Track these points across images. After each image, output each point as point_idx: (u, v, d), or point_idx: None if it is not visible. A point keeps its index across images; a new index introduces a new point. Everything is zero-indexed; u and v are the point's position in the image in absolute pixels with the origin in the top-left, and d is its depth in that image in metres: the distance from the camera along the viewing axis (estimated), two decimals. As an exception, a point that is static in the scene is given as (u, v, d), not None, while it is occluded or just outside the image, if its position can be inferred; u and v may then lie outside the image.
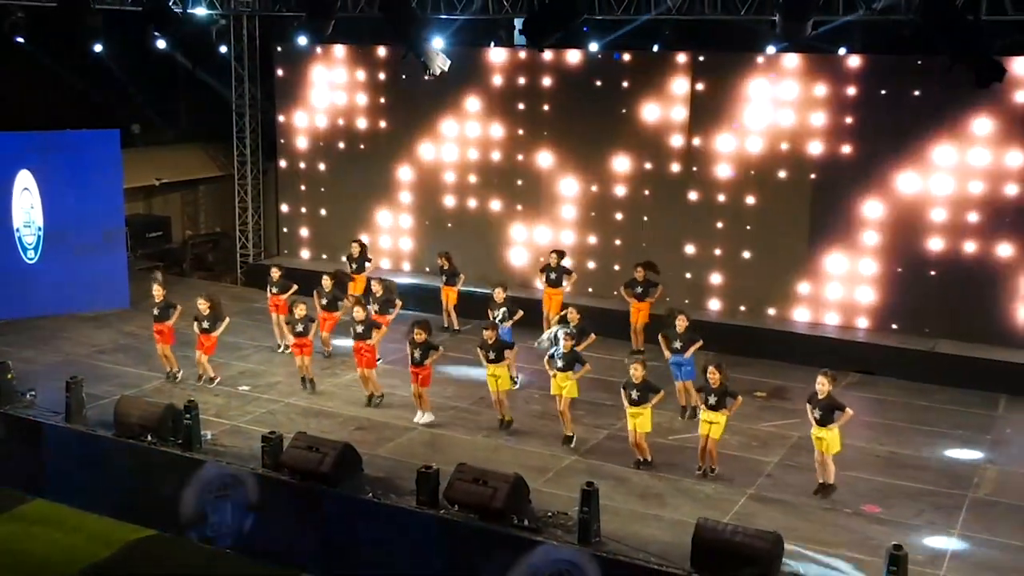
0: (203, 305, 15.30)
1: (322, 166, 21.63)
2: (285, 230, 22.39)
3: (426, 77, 14.32)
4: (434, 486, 11.58)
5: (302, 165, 21.84)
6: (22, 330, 17.96)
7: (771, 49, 17.24)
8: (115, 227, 19.38)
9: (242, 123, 22.36)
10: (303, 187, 21.95)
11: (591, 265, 19.01)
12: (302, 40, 21.07)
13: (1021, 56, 15.51)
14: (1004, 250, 16.24)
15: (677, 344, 14.21)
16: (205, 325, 15.32)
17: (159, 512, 13.04)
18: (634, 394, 12.58)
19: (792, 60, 17.13)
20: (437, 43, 15.16)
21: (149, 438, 13.20)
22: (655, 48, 18.03)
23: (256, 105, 22.29)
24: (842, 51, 16.67)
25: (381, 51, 20.52)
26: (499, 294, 15.94)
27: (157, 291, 15.61)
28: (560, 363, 13.33)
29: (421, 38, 13.58)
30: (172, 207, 25.10)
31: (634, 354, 16.33)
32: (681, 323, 14.29)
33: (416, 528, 11.54)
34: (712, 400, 12.32)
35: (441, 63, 13.63)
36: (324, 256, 21.58)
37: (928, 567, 10.44)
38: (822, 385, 11.97)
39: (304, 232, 22.13)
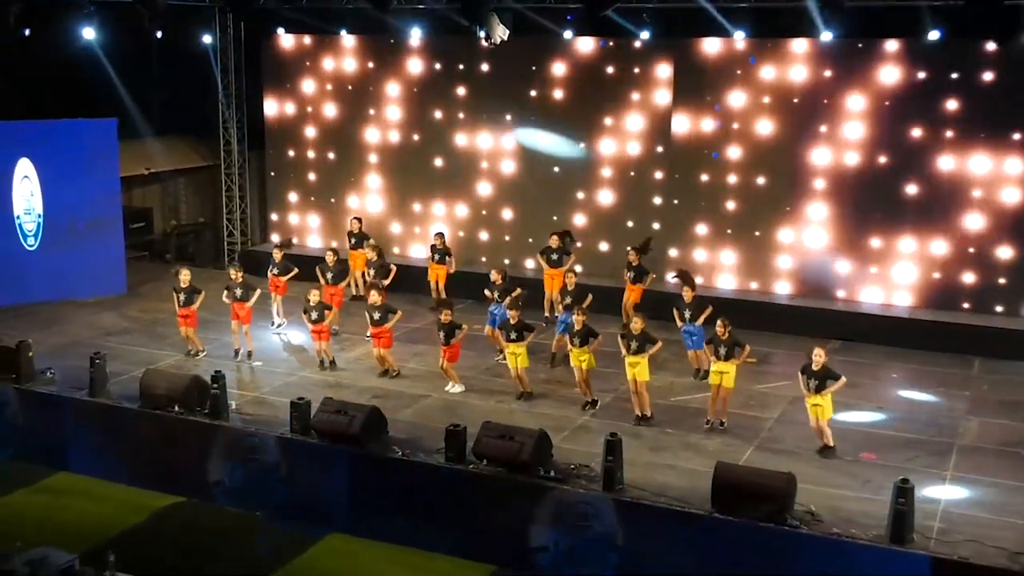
0: (236, 274, 15.78)
1: (309, 154, 22.11)
2: (274, 217, 22.82)
3: (487, 44, 14.92)
4: (462, 443, 12.23)
5: (290, 153, 22.32)
6: (22, 315, 18.16)
7: (740, 35, 18.04)
8: (112, 214, 19.72)
9: (228, 113, 22.71)
10: (290, 175, 22.41)
11: (579, 245, 19.66)
12: (286, 31, 21.60)
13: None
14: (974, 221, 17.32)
15: (688, 313, 15.05)
16: (238, 293, 15.79)
17: (186, 480, 13.53)
18: (633, 344, 13.43)
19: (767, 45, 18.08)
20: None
21: (176, 408, 13.67)
22: (644, 35, 18.76)
23: (242, 95, 22.65)
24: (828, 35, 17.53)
25: (368, 40, 21.07)
26: (495, 275, 16.46)
27: (184, 277, 16.05)
28: (577, 340, 14.03)
29: (483, 7, 14.15)
30: (152, 199, 25.31)
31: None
32: (688, 294, 15.16)
33: (444, 482, 12.17)
34: (723, 351, 13.22)
35: (501, 32, 14.25)
36: (314, 243, 22.06)
37: (927, 504, 11.27)
38: (819, 356, 12.72)
39: (292, 219, 22.58)
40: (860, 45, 17.56)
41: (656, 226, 19.22)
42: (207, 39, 22.04)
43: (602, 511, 11.39)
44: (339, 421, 12.69)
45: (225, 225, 23.30)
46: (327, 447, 12.76)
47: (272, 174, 22.72)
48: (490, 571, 11.74)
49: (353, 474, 12.64)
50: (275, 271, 17.66)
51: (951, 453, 12.90)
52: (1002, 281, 17.24)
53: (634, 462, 12.23)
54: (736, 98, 18.39)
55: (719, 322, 13.34)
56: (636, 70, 19.01)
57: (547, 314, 17.72)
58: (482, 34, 14.14)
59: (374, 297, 15.34)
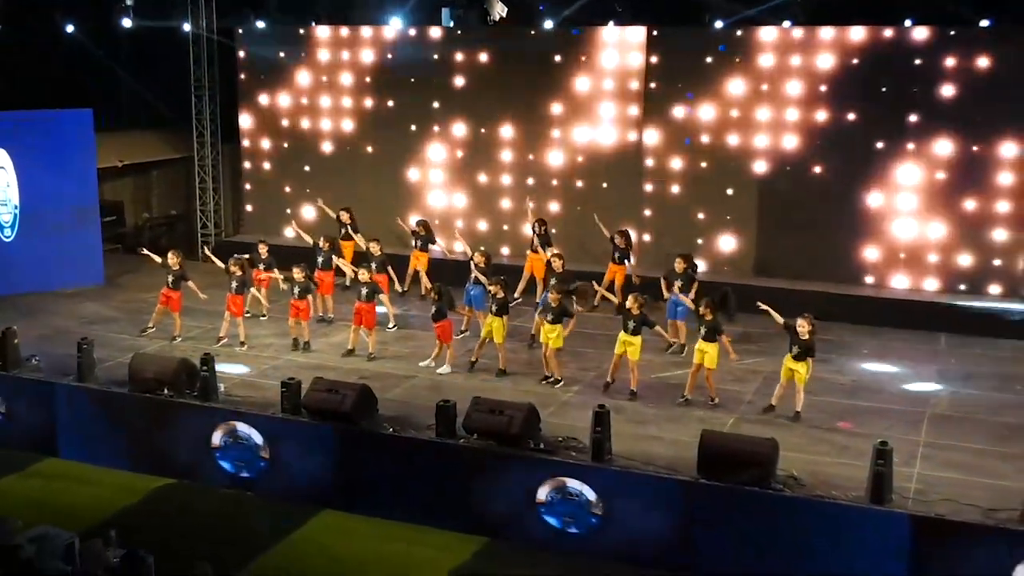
0: (233, 267, 15.98)
1: (284, 145, 22.25)
2: (249, 208, 22.92)
3: (489, 22, 15.20)
4: (452, 418, 12.50)
5: (265, 145, 22.44)
6: (1, 306, 18.15)
7: (719, 24, 18.53)
8: (89, 204, 19.76)
9: (201, 105, 22.75)
10: (265, 167, 22.54)
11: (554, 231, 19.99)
12: (261, 21, 21.75)
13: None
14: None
15: (678, 284, 15.50)
16: (233, 286, 16.02)
17: (177, 463, 13.69)
18: (631, 324, 13.79)
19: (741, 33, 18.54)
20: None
21: (166, 392, 13.81)
22: (610, 24, 19.17)
23: (215, 86, 22.71)
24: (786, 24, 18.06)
25: (343, 31, 21.25)
26: (479, 257, 16.80)
27: (172, 259, 16.29)
28: (550, 316, 14.38)
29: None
30: (123, 192, 25.28)
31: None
32: (680, 265, 15.68)
33: (436, 457, 12.45)
34: (703, 332, 13.60)
35: (500, 9, 14.56)
36: (289, 234, 22.16)
37: (903, 467, 11.70)
38: (802, 327, 13.28)
39: (266, 211, 22.68)
40: (832, 33, 18.05)
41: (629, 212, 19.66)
42: (185, 27, 22.06)
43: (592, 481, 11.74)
44: (330, 399, 12.91)
45: (199, 217, 23.35)
46: (319, 425, 12.97)
47: (246, 166, 22.81)
48: (482, 543, 12.02)
49: (345, 451, 12.86)
50: (261, 265, 17.76)
51: (923, 421, 13.40)
52: (967, 262, 17.86)
53: (620, 434, 12.54)
54: (708, 85, 18.81)
55: (703, 302, 13.85)
56: (607, 58, 19.34)
57: (517, 295, 18.05)
58: (447, 17, 14.33)
59: (363, 275, 15.63)
